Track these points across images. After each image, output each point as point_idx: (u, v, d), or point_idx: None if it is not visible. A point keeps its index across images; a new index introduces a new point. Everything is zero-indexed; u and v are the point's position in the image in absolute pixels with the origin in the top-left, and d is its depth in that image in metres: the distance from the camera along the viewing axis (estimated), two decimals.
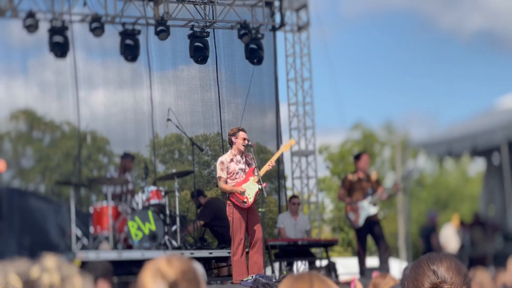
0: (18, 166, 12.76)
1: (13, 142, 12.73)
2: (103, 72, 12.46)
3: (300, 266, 12.50)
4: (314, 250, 12.91)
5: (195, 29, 12.12)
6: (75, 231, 10.54)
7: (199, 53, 12.04)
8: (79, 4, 12.06)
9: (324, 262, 12.61)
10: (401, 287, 4.51)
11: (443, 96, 51.36)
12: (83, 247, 10.54)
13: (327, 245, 12.89)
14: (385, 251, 12.80)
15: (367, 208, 12.65)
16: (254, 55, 12.62)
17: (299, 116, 14.41)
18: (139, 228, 10.43)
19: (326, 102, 42.09)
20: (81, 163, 11.81)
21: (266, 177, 10.22)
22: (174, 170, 11.75)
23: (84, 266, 7.35)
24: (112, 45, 12.08)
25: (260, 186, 9.79)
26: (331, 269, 12.27)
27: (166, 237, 10.60)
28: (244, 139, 9.90)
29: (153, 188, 10.96)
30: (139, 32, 12.12)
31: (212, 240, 11.86)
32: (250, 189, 9.79)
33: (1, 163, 10.48)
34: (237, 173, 9.89)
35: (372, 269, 11.66)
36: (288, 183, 14.32)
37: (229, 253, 10.20)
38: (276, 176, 13.42)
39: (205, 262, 10.66)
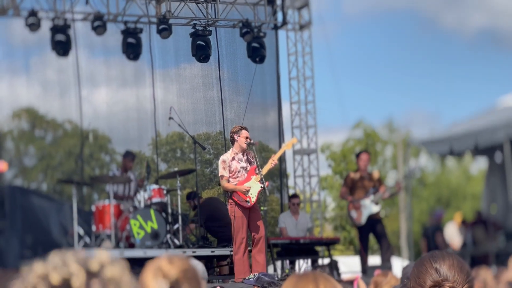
0: (20, 164, 12.76)
1: (15, 140, 12.74)
2: (106, 70, 12.47)
3: (302, 264, 12.50)
4: (316, 248, 12.91)
5: (197, 27, 12.12)
6: (77, 229, 10.54)
7: (201, 52, 12.04)
8: (81, 3, 12.07)
9: (326, 261, 12.61)
10: (402, 285, 4.51)
11: (444, 95, 51.34)
12: (85, 246, 10.54)
13: (329, 243, 12.89)
14: (387, 250, 12.81)
15: (369, 207, 12.65)
16: (256, 53, 12.61)
17: (301, 114, 14.41)
18: (141, 227, 10.43)
19: (328, 100, 42.00)
20: (83, 161, 11.80)
21: (268, 176, 10.21)
22: (176, 169, 11.74)
23: None
24: (114, 43, 12.09)
25: (262, 185, 9.79)
26: (333, 267, 12.27)
27: (168, 236, 10.60)
28: (247, 137, 9.90)
29: (155, 186, 10.96)
30: (141, 30, 12.12)
31: (213, 239, 11.87)
32: (253, 188, 9.79)
33: (2, 164, 10.49)
34: (238, 171, 9.89)
35: (374, 268, 11.66)
36: (290, 182, 14.33)
37: (231, 251, 10.20)
38: (278, 175, 13.41)
39: (207, 260, 10.66)
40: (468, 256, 15.65)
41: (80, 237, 10.57)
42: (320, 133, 15.13)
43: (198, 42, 12.06)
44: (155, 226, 10.43)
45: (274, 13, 13.57)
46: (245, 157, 9.95)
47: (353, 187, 12.82)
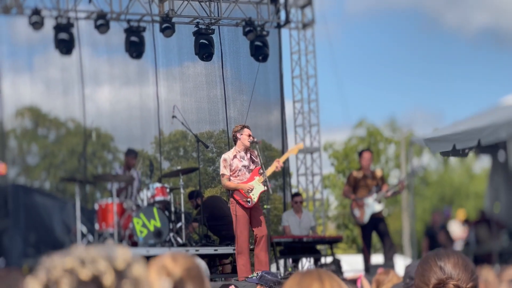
0: (23, 163, 12.77)
1: (18, 139, 12.74)
2: (109, 69, 12.48)
3: (305, 263, 12.50)
4: (319, 247, 12.91)
5: (200, 26, 12.12)
6: (80, 228, 10.55)
7: (204, 50, 12.04)
8: (85, 1, 12.07)
9: (329, 259, 12.62)
10: (404, 284, 4.50)
11: (447, 95, 51.30)
12: (88, 244, 10.55)
13: (332, 242, 12.90)
14: (390, 248, 12.81)
15: (372, 205, 12.65)
16: (259, 52, 12.62)
17: (304, 113, 14.41)
18: (144, 225, 10.43)
19: (331, 99, 42.07)
20: (86, 160, 11.81)
21: (271, 175, 10.21)
22: (179, 167, 11.74)
23: None
24: (117, 42, 12.09)
25: (265, 188, 9.80)
26: (336, 266, 12.28)
27: (171, 234, 10.60)
28: (249, 135, 9.90)
29: (158, 185, 10.96)
30: (144, 29, 12.12)
31: (216, 237, 11.88)
32: (255, 189, 9.80)
33: (2, 166, 10.49)
34: (239, 170, 9.88)
35: (377, 266, 11.66)
36: (293, 180, 14.33)
37: (234, 250, 10.21)
38: (281, 173, 13.41)
39: (210, 259, 10.67)
40: (471, 255, 15.63)
41: (83, 235, 10.57)
42: (322, 132, 15.14)
43: (201, 41, 12.07)
44: (158, 224, 10.43)
45: (277, 11, 13.57)
46: (248, 156, 9.95)
47: (356, 186, 12.82)
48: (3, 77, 11.52)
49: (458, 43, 50.34)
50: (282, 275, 10.09)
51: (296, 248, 12.16)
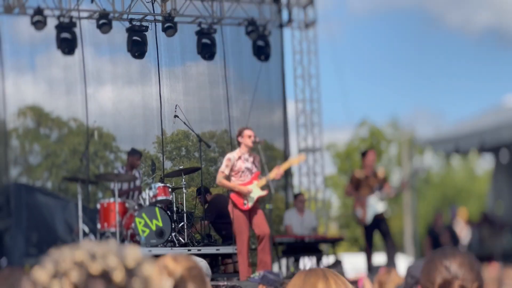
0: (25, 163, 12.77)
1: (20, 138, 12.74)
2: (111, 68, 12.46)
3: (307, 263, 12.50)
4: (320, 247, 12.91)
5: (202, 26, 12.12)
6: (82, 227, 10.54)
7: (207, 50, 12.04)
8: (87, 1, 12.07)
9: (331, 259, 12.62)
10: (406, 284, 4.50)
11: (449, 94, 51.25)
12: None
13: (334, 242, 12.91)
14: (392, 248, 12.84)
15: (375, 205, 12.66)
16: (262, 52, 12.62)
17: (306, 113, 14.41)
18: (146, 225, 10.43)
19: (333, 99, 42.06)
20: (88, 159, 11.80)
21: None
22: (181, 167, 11.74)
23: None
24: (120, 41, 12.08)
25: (264, 193, 9.83)
26: (337, 267, 12.28)
27: (173, 234, 10.60)
28: (250, 136, 9.91)
29: (160, 184, 10.96)
30: (146, 28, 12.11)
31: (218, 237, 11.87)
32: (253, 192, 9.82)
33: None
34: (242, 171, 9.89)
35: (378, 266, 11.66)
36: (295, 180, 14.33)
37: (235, 249, 10.21)
38: (283, 173, 13.41)
39: (212, 258, 10.66)
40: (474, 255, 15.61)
41: (85, 235, 10.57)
42: (325, 132, 15.15)
43: (204, 41, 12.07)
44: (160, 224, 10.42)
45: (280, 11, 13.57)
46: (252, 159, 9.96)
47: (358, 185, 12.83)
48: (5, 77, 11.51)
49: (460, 42, 50.32)
50: (284, 275, 10.09)
51: (298, 248, 12.16)
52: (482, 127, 15.76)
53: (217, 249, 10.65)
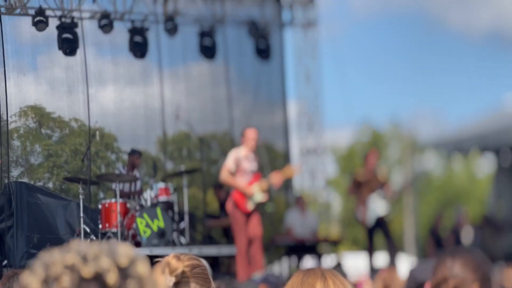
0: (26, 163, 12.75)
1: (21, 138, 12.73)
2: (113, 68, 12.46)
3: (309, 263, 12.51)
4: (321, 248, 12.92)
5: (204, 26, 12.12)
6: (84, 227, 10.53)
7: (208, 50, 12.04)
8: (89, 1, 12.07)
9: (332, 260, 12.62)
10: (407, 285, 4.49)
11: (450, 95, 51.25)
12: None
13: (334, 243, 12.92)
14: (393, 250, 12.87)
15: (376, 207, 12.67)
16: (263, 52, 12.63)
17: (307, 113, 14.42)
18: (147, 225, 10.43)
19: (334, 99, 42.03)
20: (90, 160, 11.80)
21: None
22: (182, 167, 11.74)
23: None
24: (122, 42, 12.09)
25: (264, 199, 9.84)
26: (338, 269, 12.29)
27: (175, 234, 10.60)
28: (254, 137, 9.91)
29: (161, 185, 10.96)
30: (148, 29, 12.12)
31: (219, 237, 11.87)
32: (255, 196, 9.82)
33: None
34: (246, 172, 9.89)
35: (380, 268, 11.67)
36: (297, 181, 14.33)
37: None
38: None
39: (213, 258, 10.67)
40: None
41: (86, 235, 10.56)
42: (326, 132, 15.17)
43: (205, 41, 12.07)
44: (162, 224, 10.43)
45: (281, 11, 13.57)
46: (254, 160, 9.98)
47: (359, 186, 12.85)
48: (7, 77, 11.50)
49: (461, 43, 50.32)
50: (285, 276, 10.08)
51: (299, 250, 12.17)
52: (483, 128, 15.76)
53: (218, 250, 10.65)
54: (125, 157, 12.30)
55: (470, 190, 37.84)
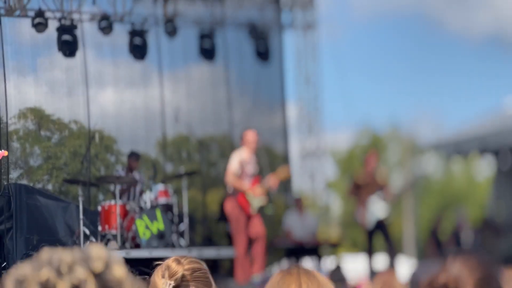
0: (26, 165, 12.74)
1: (21, 140, 12.72)
2: (113, 71, 12.46)
3: (307, 265, 12.50)
4: (320, 250, 12.92)
5: (203, 28, 12.13)
6: (83, 229, 10.53)
7: (207, 52, 12.04)
8: (88, 3, 12.07)
9: (331, 262, 12.62)
10: None
11: (450, 96, 51.28)
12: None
13: (333, 246, 12.92)
14: (392, 252, 12.87)
15: (376, 209, 12.68)
16: (263, 54, 12.63)
17: (307, 115, 14.42)
18: (147, 227, 10.42)
19: (334, 101, 42.07)
20: (90, 162, 11.79)
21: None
22: (182, 169, 11.74)
23: None
24: (121, 44, 12.09)
25: (265, 202, 9.84)
26: (338, 272, 12.28)
27: (174, 236, 10.59)
28: (253, 140, 9.91)
29: (161, 187, 10.96)
30: (147, 31, 12.12)
31: (219, 239, 11.86)
32: (257, 200, 9.82)
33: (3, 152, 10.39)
34: (247, 175, 9.89)
35: (379, 271, 11.66)
36: (296, 183, 14.32)
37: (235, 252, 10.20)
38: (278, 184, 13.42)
39: (213, 261, 10.66)
40: None
41: (86, 237, 10.55)
42: (325, 134, 15.19)
43: (205, 43, 12.07)
44: (161, 226, 10.42)
45: (281, 13, 13.58)
46: (255, 164, 9.98)
47: (359, 189, 12.85)
48: (7, 78, 11.50)
49: (461, 45, 50.35)
50: None
51: (298, 252, 12.17)
52: (483, 130, 15.76)
53: (217, 252, 10.64)
54: (125, 159, 12.30)
55: (470, 192, 37.83)
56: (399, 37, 52.34)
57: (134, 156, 11.85)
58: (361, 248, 18.49)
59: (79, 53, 11.85)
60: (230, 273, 11.09)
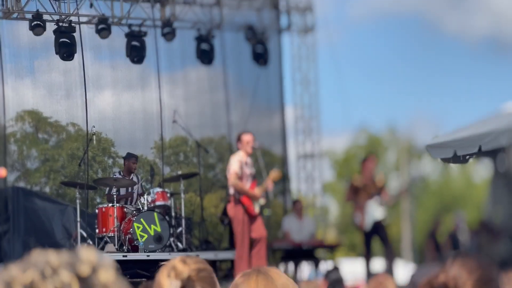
0: (23, 167, 12.74)
1: (18, 143, 12.71)
2: (111, 73, 12.46)
3: (306, 268, 12.51)
4: (318, 253, 12.91)
5: (201, 31, 12.13)
6: (80, 232, 10.52)
7: (205, 55, 12.04)
8: (86, 6, 12.07)
9: (329, 265, 12.61)
10: None
11: (448, 100, 51.33)
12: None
13: (331, 248, 12.92)
14: (390, 255, 12.86)
15: (374, 212, 12.67)
16: (261, 57, 12.64)
17: (305, 118, 14.43)
18: (144, 230, 10.41)
19: (332, 104, 42.11)
20: (87, 164, 11.79)
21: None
22: (179, 172, 11.73)
23: None
24: (119, 46, 12.09)
25: (264, 202, 9.85)
26: (336, 275, 12.26)
27: (172, 239, 10.58)
28: (249, 142, 9.91)
29: (158, 189, 10.95)
30: (145, 33, 12.12)
31: (216, 242, 11.86)
32: (258, 201, 9.83)
33: (2, 170, 10.41)
34: (246, 177, 9.89)
35: (377, 273, 11.65)
36: (293, 186, 14.32)
37: (234, 255, 10.19)
38: (281, 179, 13.41)
39: (211, 263, 10.65)
40: None
41: (83, 240, 10.54)
42: (323, 136, 15.20)
43: (203, 46, 12.07)
44: (159, 229, 10.40)
45: (279, 17, 13.58)
46: (252, 166, 9.99)
47: (357, 192, 12.84)
48: (4, 81, 11.49)
49: (459, 48, 50.41)
50: None
51: (296, 254, 12.16)
52: (481, 132, 15.76)
53: (215, 255, 10.64)
54: (122, 161, 12.29)
55: (467, 195, 37.86)
56: (397, 40, 52.37)
57: (132, 158, 11.83)
58: (359, 252, 18.49)
59: (77, 56, 11.84)
60: (228, 276, 11.08)
